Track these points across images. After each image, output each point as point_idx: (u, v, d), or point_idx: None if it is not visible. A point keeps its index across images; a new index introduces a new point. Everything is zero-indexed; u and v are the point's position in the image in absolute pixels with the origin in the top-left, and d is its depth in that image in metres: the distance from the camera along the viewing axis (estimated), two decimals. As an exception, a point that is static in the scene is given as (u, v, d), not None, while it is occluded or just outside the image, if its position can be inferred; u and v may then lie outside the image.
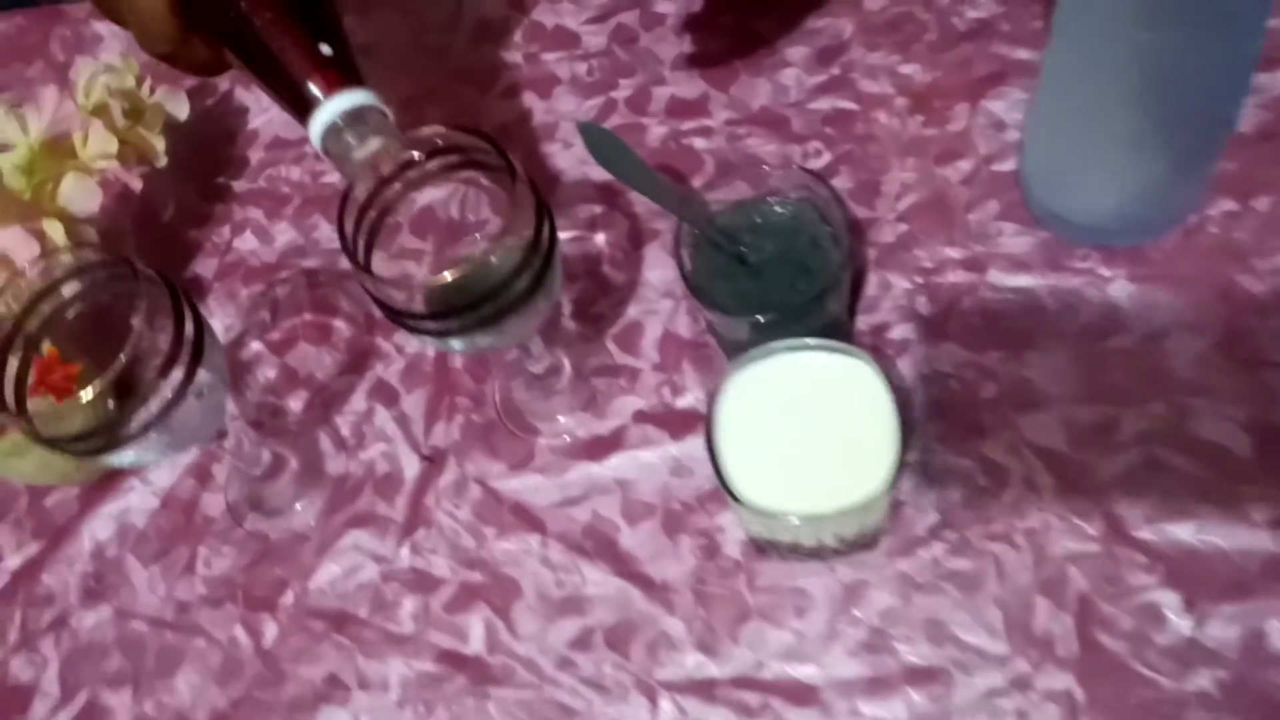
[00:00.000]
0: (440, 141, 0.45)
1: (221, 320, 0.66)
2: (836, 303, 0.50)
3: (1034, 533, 0.50)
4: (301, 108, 0.40)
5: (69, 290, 0.49)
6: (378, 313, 0.45)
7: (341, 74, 0.40)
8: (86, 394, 0.42)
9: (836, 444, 0.45)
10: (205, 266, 0.68)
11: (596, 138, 0.49)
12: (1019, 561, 0.50)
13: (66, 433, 0.44)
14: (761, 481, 0.45)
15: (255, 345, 0.64)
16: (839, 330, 0.54)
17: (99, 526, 0.61)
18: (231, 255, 0.68)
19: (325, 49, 0.40)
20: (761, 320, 0.49)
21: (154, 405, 0.44)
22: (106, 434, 0.44)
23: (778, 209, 0.53)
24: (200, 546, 0.59)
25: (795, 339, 0.47)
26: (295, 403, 0.62)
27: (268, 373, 0.63)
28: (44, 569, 0.60)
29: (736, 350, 0.54)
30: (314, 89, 0.40)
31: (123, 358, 0.42)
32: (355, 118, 0.40)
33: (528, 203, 0.42)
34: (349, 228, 0.44)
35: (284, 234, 0.68)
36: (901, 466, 0.44)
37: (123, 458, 0.46)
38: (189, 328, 0.46)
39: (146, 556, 0.60)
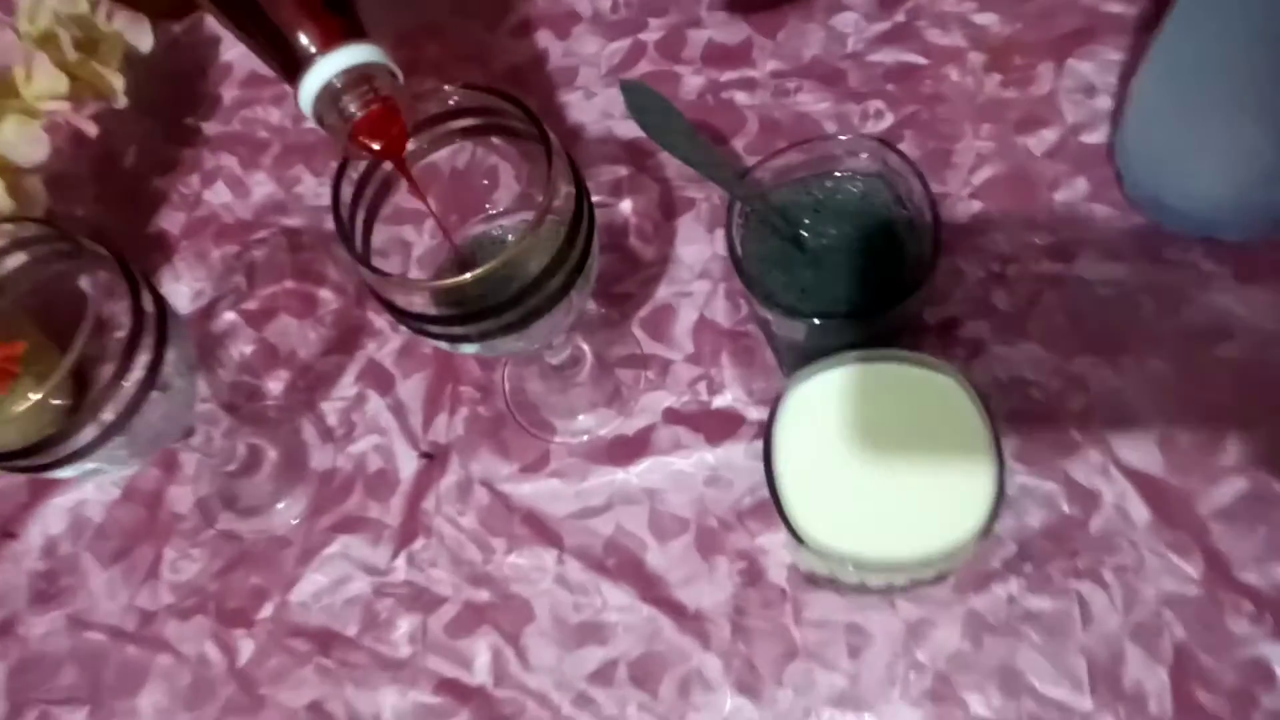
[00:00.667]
0: (455, 102, 0.37)
1: (190, 284, 0.58)
2: (915, 304, 0.43)
3: (1125, 570, 0.44)
4: (289, 65, 0.32)
5: (11, 263, 0.42)
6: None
7: (339, 22, 0.32)
8: (37, 394, 0.35)
9: (920, 476, 0.38)
10: (171, 221, 0.60)
11: (640, 98, 0.41)
12: (1107, 603, 0.43)
13: (9, 441, 0.37)
14: (830, 518, 0.38)
15: (229, 316, 0.56)
16: (910, 330, 0.47)
17: (51, 519, 0.54)
18: (201, 209, 0.60)
19: None
20: (822, 322, 0.42)
21: (110, 410, 0.37)
22: (56, 446, 0.37)
23: (847, 185, 0.45)
24: (166, 548, 0.52)
25: (868, 349, 0.40)
26: (275, 384, 0.55)
27: (243, 348, 0.56)
28: (-13, 567, 0.53)
29: (788, 348, 0.47)
30: (304, 41, 0.32)
31: (74, 352, 0.35)
32: (356, 79, 0.32)
33: (564, 183, 0.35)
34: (344, 205, 0.36)
35: (261, 186, 0.60)
36: (999, 505, 0.37)
37: (73, 471, 0.39)
38: (148, 310, 0.39)
39: (105, 556, 0.52)
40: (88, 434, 0.38)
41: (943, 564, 0.37)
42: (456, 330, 0.36)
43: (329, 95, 0.32)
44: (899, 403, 0.39)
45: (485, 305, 0.34)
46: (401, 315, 0.36)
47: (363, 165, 0.37)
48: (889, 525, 0.38)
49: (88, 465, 0.39)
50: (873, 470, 0.39)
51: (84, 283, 0.42)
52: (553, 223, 0.35)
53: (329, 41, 0.32)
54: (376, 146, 0.34)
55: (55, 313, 0.44)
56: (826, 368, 0.40)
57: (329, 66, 0.32)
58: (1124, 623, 0.43)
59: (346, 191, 0.36)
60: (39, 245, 0.41)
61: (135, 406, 0.39)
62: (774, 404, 0.40)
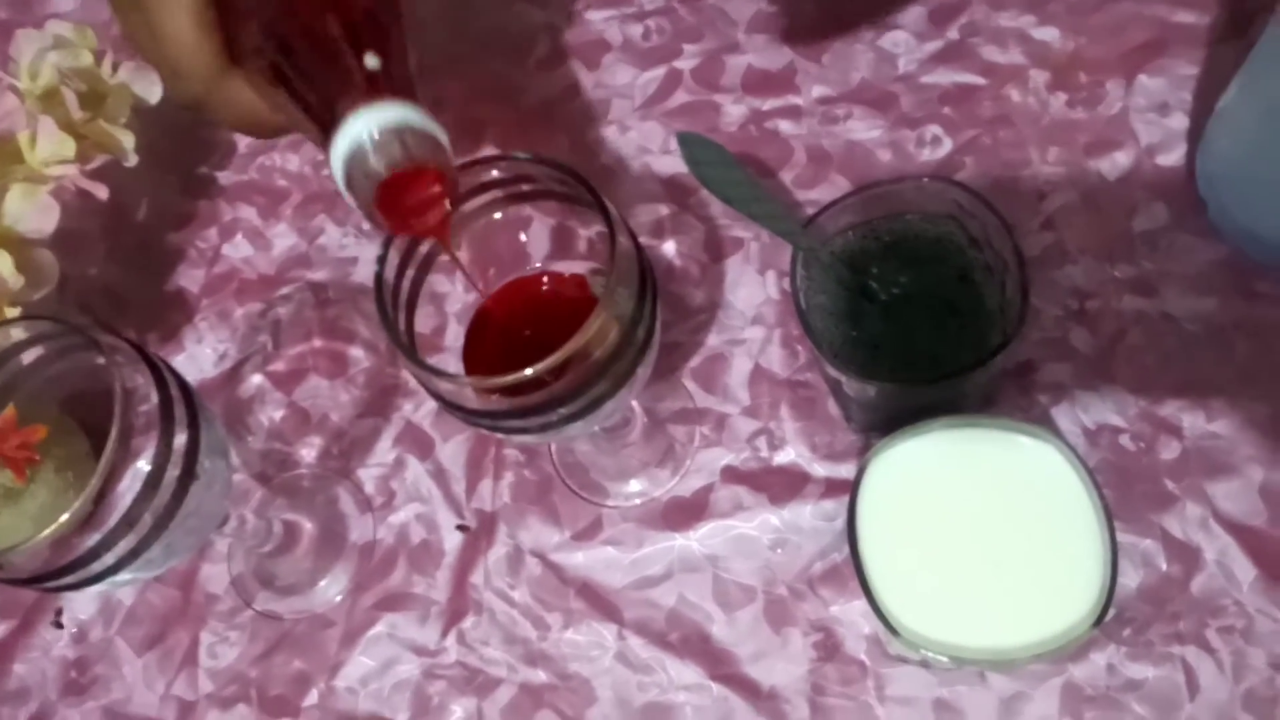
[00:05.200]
0: (499, 173, 0.34)
1: (213, 346, 0.55)
2: (1003, 358, 0.40)
3: (1232, 633, 0.41)
4: (324, 129, 0.28)
5: (28, 357, 0.39)
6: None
7: (376, 77, 0.28)
8: (64, 520, 0.32)
9: (1023, 556, 0.35)
10: (190, 278, 0.57)
11: (697, 150, 0.38)
12: (1215, 670, 0.41)
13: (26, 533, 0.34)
14: (924, 606, 0.35)
15: (256, 379, 0.54)
16: (991, 387, 0.44)
17: (79, 601, 0.51)
18: (221, 265, 0.57)
19: (371, 60, 0.28)
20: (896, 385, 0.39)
21: (134, 535, 0.34)
22: (80, 567, 0.34)
23: (916, 228, 0.42)
24: (202, 631, 0.49)
25: (953, 413, 0.37)
26: (308, 451, 0.52)
27: (273, 413, 0.53)
28: (15, 656, 0.51)
29: (857, 404, 0.44)
30: (342, 105, 0.28)
31: (95, 480, 0.32)
32: (390, 139, 0.27)
33: (629, 266, 0.32)
34: (388, 297, 0.33)
35: (282, 238, 0.57)
36: (1114, 588, 0.34)
37: (104, 586, 0.36)
38: (178, 421, 0.36)
39: (138, 642, 0.50)
40: (122, 547, 0.35)
41: (1051, 656, 0.34)
42: (515, 424, 0.33)
43: (359, 156, 0.27)
44: (995, 474, 0.36)
45: (544, 400, 0.31)
46: (458, 411, 0.33)
47: (400, 251, 0.34)
48: (990, 613, 0.35)
49: (121, 577, 0.36)
50: (970, 552, 0.36)
51: (103, 363, 0.39)
52: (615, 305, 0.32)
53: (363, 98, 0.27)
54: (408, 220, 0.30)
55: (78, 393, 0.42)
56: (911, 436, 0.37)
57: (359, 125, 0.27)
58: (1234, 691, 0.40)
59: (389, 277, 0.33)
60: (53, 341, 0.38)
61: (170, 513, 0.36)
62: (855, 481, 0.37)
